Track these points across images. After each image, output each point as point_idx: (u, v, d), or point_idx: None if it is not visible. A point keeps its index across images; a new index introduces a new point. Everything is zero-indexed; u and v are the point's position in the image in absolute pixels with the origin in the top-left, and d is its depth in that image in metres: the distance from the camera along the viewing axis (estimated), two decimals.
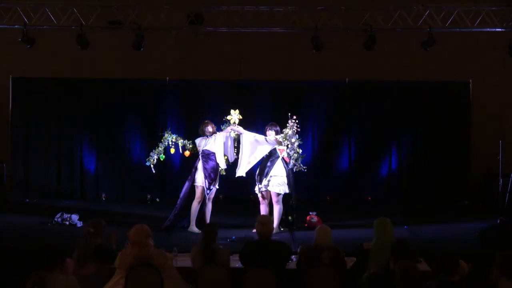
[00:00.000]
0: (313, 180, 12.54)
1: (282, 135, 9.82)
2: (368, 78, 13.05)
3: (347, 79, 13.04)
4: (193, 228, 9.75)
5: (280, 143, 9.80)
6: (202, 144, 9.86)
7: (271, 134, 9.91)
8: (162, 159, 10.21)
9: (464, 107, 13.16)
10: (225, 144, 9.96)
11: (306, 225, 10.23)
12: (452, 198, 12.83)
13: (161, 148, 10.13)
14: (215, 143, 9.82)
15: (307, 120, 12.91)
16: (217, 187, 10.00)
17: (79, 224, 10.21)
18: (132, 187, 13.25)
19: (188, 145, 10.16)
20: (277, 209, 9.77)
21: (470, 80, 13.11)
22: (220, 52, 13.11)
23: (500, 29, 11.42)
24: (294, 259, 7.24)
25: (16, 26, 11.24)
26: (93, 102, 13.20)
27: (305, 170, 9.93)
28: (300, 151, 9.94)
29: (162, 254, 6.50)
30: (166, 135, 10.18)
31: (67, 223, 10.36)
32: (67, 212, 10.68)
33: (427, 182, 12.99)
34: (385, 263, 6.16)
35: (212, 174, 9.79)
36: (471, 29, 11.25)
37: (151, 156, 10.14)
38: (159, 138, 10.36)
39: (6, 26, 11.42)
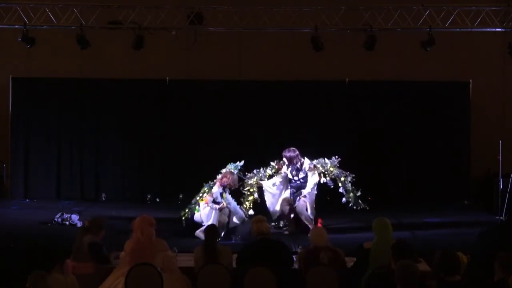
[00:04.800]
0: None
1: (320, 164, 9.89)
2: (368, 78, 13.05)
3: (347, 79, 13.04)
4: (200, 234, 9.31)
5: (314, 168, 9.89)
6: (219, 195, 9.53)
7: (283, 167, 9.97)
8: (197, 212, 9.62)
9: (464, 107, 13.16)
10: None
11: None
12: (452, 198, 12.83)
13: (198, 200, 9.66)
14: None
15: (306, 120, 12.91)
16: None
17: (79, 224, 10.20)
18: (132, 187, 13.25)
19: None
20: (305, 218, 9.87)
21: (470, 80, 13.11)
22: (220, 52, 13.11)
23: (500, 29, 11.42)
24: (294, 259, 7.24)
25: (16, 26, 11.23)
26: (93, 102, 13.18)
27: (368, 208, 10.04)
28: (355, 189, 10.00)
29: (163, 243, 6.74)
30: (206, 188, 9.69)
31: (67, 223, 10.37)
32: (67, 212, 10.70)
33: (427, 182, 12.97)
34: (386, 263, 6.16)
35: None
36: (471, 29, 11.24)
37: (190, 207, 9.74)
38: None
39: (6, 26, 11.42)
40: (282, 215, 10.10)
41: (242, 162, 9.97)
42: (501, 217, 10.92)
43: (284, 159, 9.96)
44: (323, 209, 10.40)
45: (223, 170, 9.80)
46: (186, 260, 7.26)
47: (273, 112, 12.86)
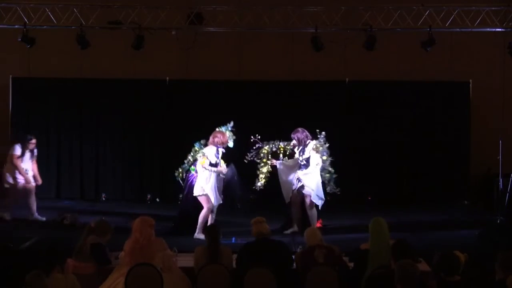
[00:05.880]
0: None
1: (315, 143, 9.89)
2: (368, 78, 13.05)
3: (347, 79, 13.04)
4: (200, 235, 9.33)
5: (316, 149, 9.87)
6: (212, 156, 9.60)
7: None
8: (192, 171, 9.82)
9: (464, 107, 13.15)
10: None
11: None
12: (452, 198, 12.83)
13: (191, 160, 9.84)
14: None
15: (306, 120, 12.88)
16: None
17: (80, 224, 10.20)
18: (132, 187, 13.25)
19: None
20: (311, 214, 9.85)
21: (470, 80, 13.11)
22: (220, 52, 13.11)
23: (500, 29, 11.42)
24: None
25: (16, 26, 11.24)
26: (93, 102, 13.17)
27: (339, 193, 10.05)
28: (333, 170, 10.01)
29: (163, 242, 6.81)
30: (197, 147, 9.83)
31: (67, 223, 10.36)
32: (67, 212, 10.69)
33: (427, 182, 12.96)
34: (384, 263, 6.16)
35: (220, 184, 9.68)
36: (471, 29, 11.25)
37: (183, 167, 9.91)
38: (187, 148, 10.08)
39: (6, 26, 11.42)
40: (291, 204, 10.10)
41: (232, 123, 9.99)
42: (501, 217, 10.92)
43: (294, 141, 10.00)
44: (323, 209, 10.39)
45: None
46: (186, 260, 7.26)
47: (273, 112, 12.85)
